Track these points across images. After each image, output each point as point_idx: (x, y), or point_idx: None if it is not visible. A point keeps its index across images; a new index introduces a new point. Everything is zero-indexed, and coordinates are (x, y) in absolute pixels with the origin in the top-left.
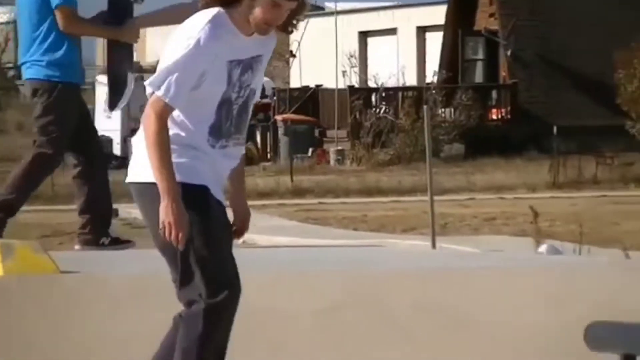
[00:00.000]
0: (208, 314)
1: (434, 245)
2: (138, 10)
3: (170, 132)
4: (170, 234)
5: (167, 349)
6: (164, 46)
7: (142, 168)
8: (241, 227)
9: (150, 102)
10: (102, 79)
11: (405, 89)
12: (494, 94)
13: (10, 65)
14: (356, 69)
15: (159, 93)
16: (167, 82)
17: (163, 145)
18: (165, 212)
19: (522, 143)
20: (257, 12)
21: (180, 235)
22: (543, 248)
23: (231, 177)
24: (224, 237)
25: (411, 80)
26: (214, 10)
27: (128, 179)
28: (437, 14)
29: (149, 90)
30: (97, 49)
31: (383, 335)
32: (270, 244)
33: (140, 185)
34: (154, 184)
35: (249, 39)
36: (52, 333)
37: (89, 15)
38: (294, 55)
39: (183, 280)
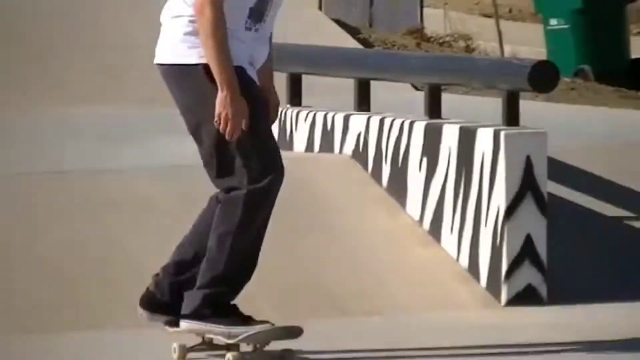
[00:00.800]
0: (248, 199)
1: None
2: None
3: None
4: (226, 126)
5: (200, 227)
6: None
7: (178, 48)
8: (273, 115)
9: None
10: None
11: None
12: None
13: None
14: None
15: None
16: None
17: (222, 34)
18: (223, 104)
19: None
20: None
21: (236, 129)
22: None
23: (261, 67)
24: (265, 119)
25: None
26: None
27: (162, 60)
28: None
29: None
30: None
31: None
32: None
33: (178, 67)
34: (194, 65)
35: None
36: None
37: None
38: None
39: (223, 167)
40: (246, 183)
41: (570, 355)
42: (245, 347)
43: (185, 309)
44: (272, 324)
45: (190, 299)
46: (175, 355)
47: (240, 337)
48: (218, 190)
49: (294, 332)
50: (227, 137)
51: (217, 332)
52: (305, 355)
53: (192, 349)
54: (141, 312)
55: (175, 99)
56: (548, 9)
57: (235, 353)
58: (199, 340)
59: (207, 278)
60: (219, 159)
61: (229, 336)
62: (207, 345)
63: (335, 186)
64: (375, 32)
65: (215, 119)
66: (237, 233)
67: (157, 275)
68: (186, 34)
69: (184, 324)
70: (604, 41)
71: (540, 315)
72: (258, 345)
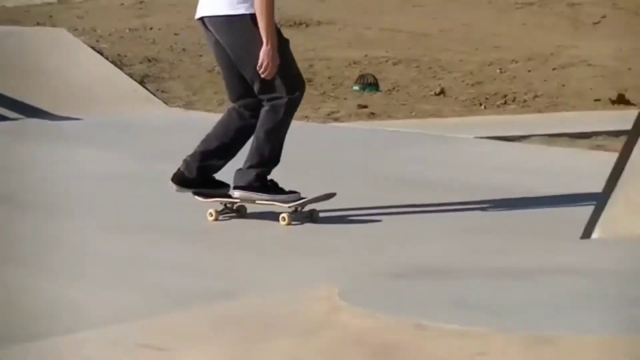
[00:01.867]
0: (288, 105)
1: None
2: None
3: None
4: (265, 70)
5: (218, 130)
6: None
7: (231, 4)
8: None
9: None
10: None
11: None
12: None
13: None
14: None
15: None
16: None
17: (272, 7)
18: (266, 54)
19: None
20: None
21: (272, 72)
22: None
23: None
24: (290, 53)
25: None
26: None
27: (217, 13)
28: None
29: None
30: None
31: None
32: None
33: (232, 16)
34: (242, 15)
35: None
36: None
37: None
38: None
39: (267, 84)
40: (286, 94)
41: None
42: (254, 207)
43: (240, 182)
44: (299, 193)
45: (244, 175)
46: (211, 218)
47: (293, 203)
48: (235, 105)
49: (330, 196)
50: (264, 76)
51: (266, 199)
52: (325, 214)
53: (221, 212)
54: (172, 186)
55: (226, 41)
56: None
57: (287, 213)
58: (221, 207)
59: (257, 160)
60: (262, 81)
61: (274, 201)
62: (230, 210)
63: None
64: None
65: (259, 65)
66: (279, 128)
67: (186, 159)
68: None
69: (239, 192)
70: None
71: None
72: (299, 208)
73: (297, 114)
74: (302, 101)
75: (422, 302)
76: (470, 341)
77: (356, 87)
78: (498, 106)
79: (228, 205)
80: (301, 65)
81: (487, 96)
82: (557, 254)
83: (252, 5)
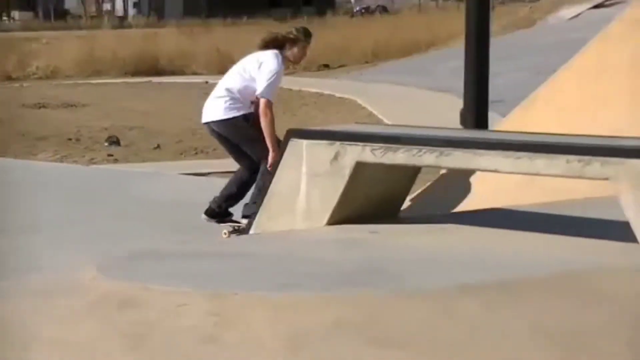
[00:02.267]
0: (273, 167)
1: None
2: None
3: (241, 102)
4: (273, 166)
5: (235, 181)
6: None
7: (226, 111)
8: None
9: (265, 103)
10: None
11: None
12: None
13: None
14: None
15: (269, 98)
16: (271, 92)
17: (274, 125)
18: (273, 159)
19: None
20: (298, 52)
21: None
22: None
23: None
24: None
25: None
26: (279, 54)
27: (216, 118)
28: None
29: (262, 96)
30: None
31: None
32: None
33: (227, 119)
34: (235, 117)
35: None
36: None
37: None
38: None
39: (261, 155)
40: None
41: None
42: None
43: (247, 212)
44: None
45: (250, 208)
46: (225, 236)
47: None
48: (241, 166)
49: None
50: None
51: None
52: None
53: (231, 232)
54: (204, 217)
55: (227, 133)
56: None
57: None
58: (230, 229)
59: (258, 198)
60: (257, 154)
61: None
62: (237, 231)
63: None
64: None
65: (269, 164)
66: (268, 181)
67: (215, 199)
68: (228, 104)
69: (245, 219)
70: None
71: None
72: None
73: (68, 159)
74: (72, 151)
75: (150, 273)
76: (177, 296)
77: (106, 143)
78: (195, 154)
79: (236, 227)
80: (70, 130)
81: (187, 149)
82: (230, 244)
83: (242, 108)
